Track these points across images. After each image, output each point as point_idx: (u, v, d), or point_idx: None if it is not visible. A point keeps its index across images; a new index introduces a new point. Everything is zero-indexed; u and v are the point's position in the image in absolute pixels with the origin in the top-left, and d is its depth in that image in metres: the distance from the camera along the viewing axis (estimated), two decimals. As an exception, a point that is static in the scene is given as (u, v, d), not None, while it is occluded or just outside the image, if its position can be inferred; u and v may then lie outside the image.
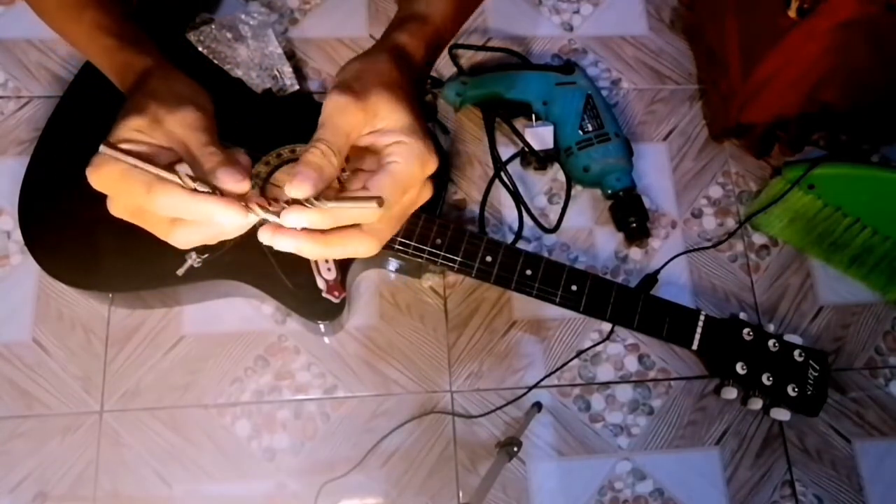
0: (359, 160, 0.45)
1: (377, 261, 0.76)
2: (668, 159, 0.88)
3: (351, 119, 0.43)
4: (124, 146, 0.42)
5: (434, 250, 0.68)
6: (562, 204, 0.83)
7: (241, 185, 0.42)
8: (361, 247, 0.43)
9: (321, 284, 0.67)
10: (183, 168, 0.43)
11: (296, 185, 0.39)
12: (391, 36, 0.49)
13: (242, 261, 0.68)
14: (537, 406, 0.76)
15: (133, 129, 0.43)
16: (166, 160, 0.43)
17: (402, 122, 0.43)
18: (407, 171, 0.42)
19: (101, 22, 0.54)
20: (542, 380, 0.77)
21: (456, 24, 0.54)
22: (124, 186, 0.41)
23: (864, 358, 0.81)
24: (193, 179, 0.41)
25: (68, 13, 0.55)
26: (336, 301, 0.67)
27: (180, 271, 0.66)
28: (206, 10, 0.83)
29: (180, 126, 0.43)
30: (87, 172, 0.41)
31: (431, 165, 0.44)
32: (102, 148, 0.41)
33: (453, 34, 0.55)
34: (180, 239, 0.43)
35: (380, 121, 0.43)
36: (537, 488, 0.74)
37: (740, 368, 0.69)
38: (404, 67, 0.46)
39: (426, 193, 0.46)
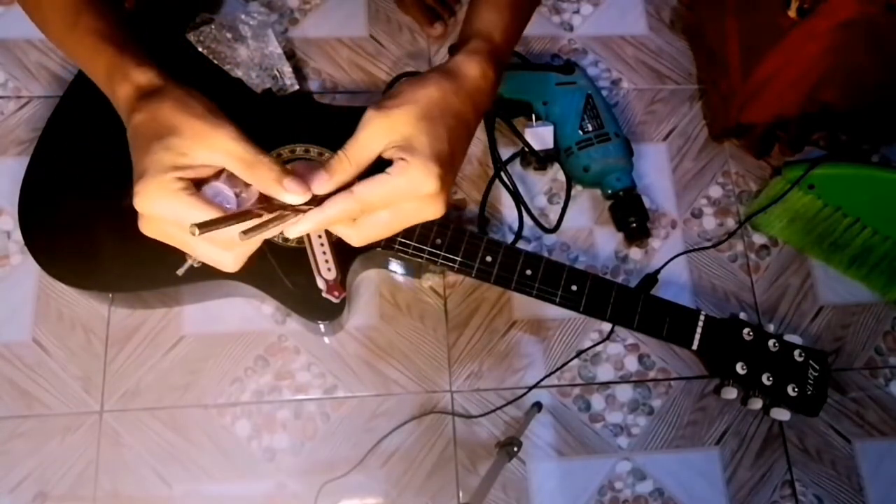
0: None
1: (377, 261, 0.76)
2: (668, 159, 0.88)
3: (374, 133, 0.45)
4: (177, 174, 0.42)
5: (434, 250, 0.68)
6: (562, 204, 0.83)
7: (307, 192, 0.44)
8: (350, 233, 0.47)
9: (321, 284, 0.66)
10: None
11: (316, 184, 0.44)
12: (449, 60, 0.50)
13: (242, 261, 0.68)
14: (537, 406, 0.76)
15: (180, 156, 0.43)
16: (206, 174, 0.45)
17: (418, 144, 0.44)
18: (394, 187, 0.45)
19: (97, 27, 0.51)
20: (542, 380, 0.77)
21: (513, 32, 0.55)
22: (180, 217, 0.43)
23: (864, 358, 0.81)
24: (271, 210, 0.43)
25: (63, 18, 0.53)
26: (336, 301, 0.67)
27: (180, 271, 0.66)
28: (207, 11, 0.83)
29: (228, 140, 0.44)
30: (137, 200, 0.43)
31: (428, 191, 0.45)
32: (194, 232, 0.40)
33: (511, 44, 0.56)
34: (205, 254, 0.47)
35: (402, 139, 0.45)
36: (537, 488, 0.74)
37: (740, 368, 0.69)
38: (449, 86, 0.47)
39: (430, 212, 0.47)
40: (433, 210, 0.47)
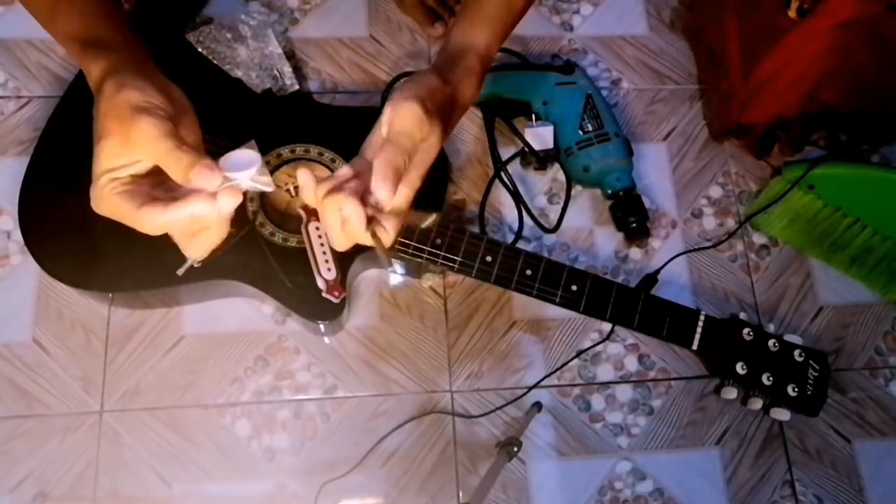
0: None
1: (377, 261, 0.76)
2: (668, 159, 0.88)
3: (420, 123, 0.48)
4: (110, 176, 0.44)
5: (434, 250, 0.68)
6: (562, 204, 0.83)
7: (213, 180, 0.44)
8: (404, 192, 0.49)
9: (321, 284, 0.67)
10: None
11: (379, 186, 0.45)
12: (444, 68, 0.53)
13: (242, 261, 0.68)
14: (537, 406, 0.76)
15: (112, 157, 0.45)
16: (144, 169, 0.46)
17: (405, 100, 0.48)
18: (398, 115, 0.48)
19: (70, 26, 0.52)
20: (542, 380, 0.77)
21: (501, 43, 0.57)
22: (120, 214, 0.45)
23: (864, 358, 0.81)
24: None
25: (43, 15, 0.54)
26: (336, 301, 0.67)
27: (180, 271, 0.66)
28: (199, 10, 0.83)
29: (144, 138, 0.44)
30: (91, 203, 0.45)
31: (421, 112, 0.47)
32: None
33: (497, 51, 0.58)
34: (194, 250, 0.48)
35: (391, 108, 0.48)
36: (537, 488, 0.74)
37: (740, 368, 0.69)
38: (448, 91, 0.51)
39: (434, 140, 0.49)
40: (435, 136, 0.49)
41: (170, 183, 0.46)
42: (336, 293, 0.67)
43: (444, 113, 0.50)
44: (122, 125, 0.44)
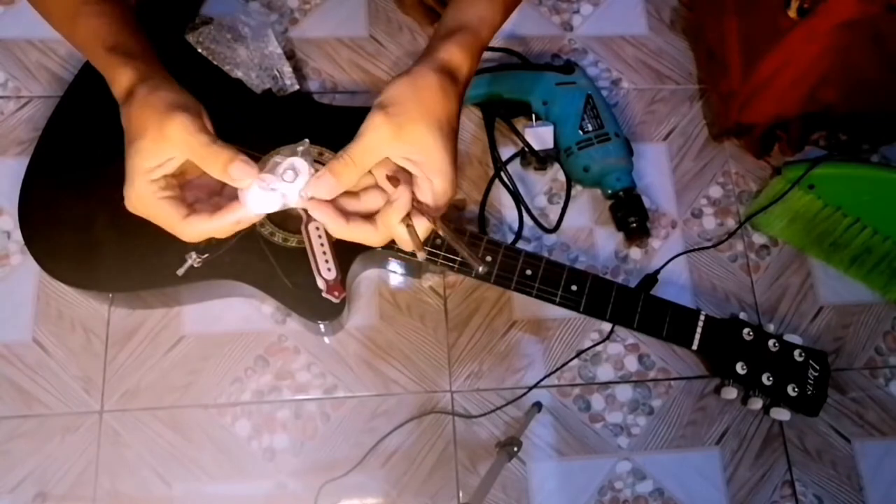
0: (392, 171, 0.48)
1: (377, 261, 0.76)
2: (668, 159, 0.88)
3: (383, 141, 0.45)
4: (148, 178, 0.46)
5: (434, 250, 0.68)
6: (562, 204, 0.83)
7: (250, 175, 0.46)
8: (371, 237, 0.48)
9: (321, 284, 0.66)
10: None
11: (316, 186, 0.45)
12: (440, 48, 0.49)
13: (242, 261, 0.68)
14: (537, 406, 0.76)
15: (148, 157, 0.46)
16: (174, 168, 0.48)
17: (437, 163, 0.46)
18: (430, 205, 0.48)
19: (92, 24, 0.52)
20: (542, 380, 0.77)
21: (497, 30, 0.53)
22: (161, 220, 0.48)
23: (864, 358, 0.81)
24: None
25: (64, 12, 0.54)
26: (336, 301, 0.67)
27: (180, 271, 0.66)
28: (195, 9, 0.83)
29: (180, 134, 0.45)
30: (126, 202, 0.48)
31: (450, 196, 0.48)
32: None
33: (493, 36, 0.54)
34: (191, 233, 0.48)
35: (416, 153, 0.46)
36: (537, 488, 0.74)
37: (740, 368, 0.69)
38: (450, 87, 0.47)
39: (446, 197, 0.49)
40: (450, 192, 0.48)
41: (194, 181, 0.50)
42: (336, 293, 0.67)
43: (452, 124, 0.48)
44: (158, 122, 0.45)
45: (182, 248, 0.66)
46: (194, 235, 0.48)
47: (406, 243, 0.48)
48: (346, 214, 0.47)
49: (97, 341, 0.75)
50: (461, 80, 0.49)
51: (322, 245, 0.67)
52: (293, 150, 0.47)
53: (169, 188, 0.48)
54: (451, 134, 0.47)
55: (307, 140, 0.48)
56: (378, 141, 0.45)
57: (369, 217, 0.48)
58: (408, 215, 0.47)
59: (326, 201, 0.46)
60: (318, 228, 0.67)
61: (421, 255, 0.49)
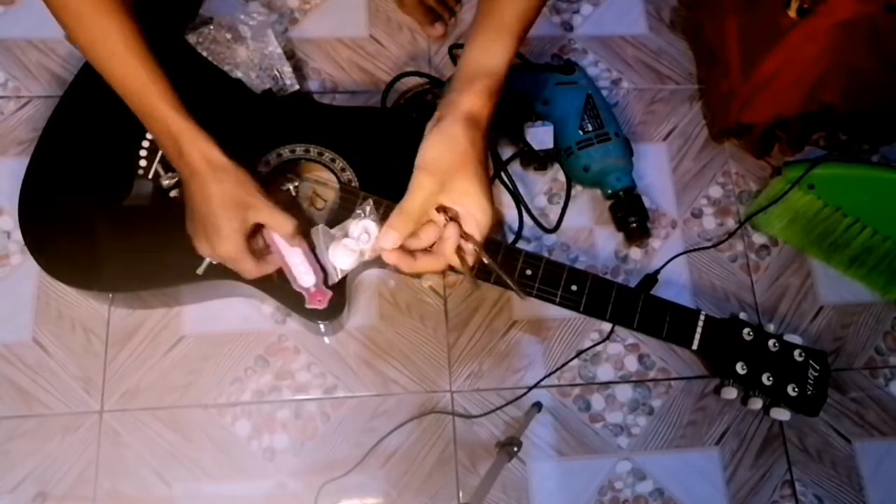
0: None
1: (377, 261, 0.76)
2: (668, 159, 0.88)
3: (430, 196, 0.54)
4: (241, 234, 0.60)
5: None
6: (562, 204, 0.83)
7: (296, 247, 0.64)
8: (434, 266, 0.58)
9: (302, 291, 0.65)
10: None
11: (384, 240, 0.55)
12: (463, 100, 0.55)
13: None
14: (537, 406, 0.76)
15: (243, 221, 0.60)
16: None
17: (477, 204, 0.55)
18: (475, 235, 0.56)
19: (163, 93, 0.59)
20: (542, 380, 0.77)
21: (513, 59, 0.59)
22: (240, 263, 0.62)
23: (864, 358, 0.81)
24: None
25: (133, 85, 0.59)
26: (321, 308, 0.66)
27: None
28: (193, 9, 0.83)
29: (270, 210, 0.60)
30: (217, 249, 0.61)
31: (491, 224, 0.56)
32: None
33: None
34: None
35: (459, 200, 0.55)
36: (537, 488, 0.74)
37: (740, 368, 0.69)
38: (476, 134, 0.55)
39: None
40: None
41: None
42: (319, 299, 0.65)
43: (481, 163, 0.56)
44: (255, 202, 0.59)
45: (182, 248, 0.66)
46: (256, 274, 0.63)
47: (460, 268, 0.57)
48: (413, 253, 0.56)
49: (97, 341, 0.75)
50: (484, 124, 0.56)
51: (293, 251, 0.64)
52: (360, 212, 0.60)
53: (245, 243, 0.61)
54: (484, 173, 0.55)
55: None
56: (426, 197, 0.54)
57: (430, 250, 0.57)
58: (459, 246, 0.56)
59: (394, 249, 0.56)
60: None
61: (470, 281, 0.59)
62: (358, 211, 0.60)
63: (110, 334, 0.75)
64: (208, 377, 0.75)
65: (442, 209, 0.55)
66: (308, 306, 0.65)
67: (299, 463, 0.73)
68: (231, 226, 0.60)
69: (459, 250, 0.57)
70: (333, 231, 0.60)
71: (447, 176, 0.54)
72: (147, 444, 0.72)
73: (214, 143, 0.59)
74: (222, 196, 0.59)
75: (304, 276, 0.64)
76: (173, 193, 0.70)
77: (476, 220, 0.55)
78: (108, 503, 0.70)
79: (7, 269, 0.77)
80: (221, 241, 0.60)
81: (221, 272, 0.66)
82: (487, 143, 0.56)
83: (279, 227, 0.61)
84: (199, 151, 0.59)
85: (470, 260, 0.57)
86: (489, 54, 0.57)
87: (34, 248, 0.68)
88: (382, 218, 0.58)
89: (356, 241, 0.59)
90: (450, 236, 0.55)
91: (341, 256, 0.59)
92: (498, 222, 0.82)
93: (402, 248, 0.56)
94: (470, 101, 0.55)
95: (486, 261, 0.58)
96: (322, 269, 0.64)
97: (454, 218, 0.55)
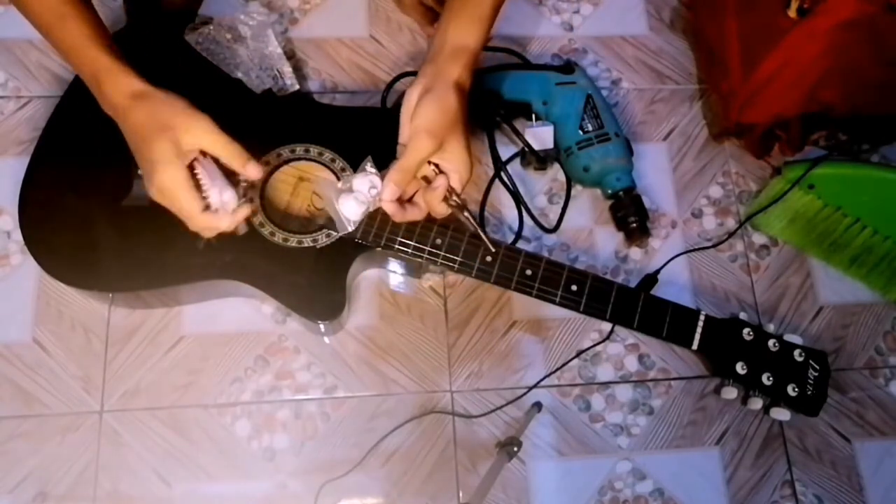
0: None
1: (377, 261, 0.76)
2: (668, 159, 0.88)
3: (427, 154, 0.61)
4: (178, 161, 0.56)
5: (434, 250, 0.68)
6: (562, 204, 0.83)
7: (260, 174, 0.62)
8: (419, 214, 0.65)
9: (219, 206, 0.60)
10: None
11: (385, 190, 0.61)
12: (452, 69, 0.63)
13: (242, 261, 0.68)
14: (537, 406, 0.76)
15: (176, 144, 0.56)
16: (193, 157, 0.59)
17: (462, 161, 0.63)
18: (457, 187, 0.65)
19: (82, 27, 0.58)
20: (542, 380, 0.77)
21: (488, 40, 0.68)
22: (179, 207, 0.58)
23: (864, 358, 0.81)
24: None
25: (50, 21, 0.59)
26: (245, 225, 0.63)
27: (200, 245, 0.66)
28: (193, 9, 0.83)
29: (208, 129, 0.57)
30: (155, 183, 0.56)
31: (469, 177, 0.65)
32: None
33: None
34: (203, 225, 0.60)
35: (449, 157, 0.62)
36: (537, 488, 0.74)
37: (740, 368, 0.69)
38: (464, 100, 0.62)
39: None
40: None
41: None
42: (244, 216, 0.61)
43: (458, 119, 0.62)
44: (185, 119, 0.56)
45: (182, 248, 0.66)
46: (208, 228, 0.59)
47: (441, 215, 0.65)
48: (403, 204, 0.64)
49: (97, 341, 0.75)
50: (467, 92, 0.64)
51: (199, 173, 0.60)
52: (363, 168, 0.64)
53: (190, 181, 0.57)
54: (467, 133, 0.63)
55: (370, 157, 0.65)
56: (424, 155, 0.61)
57: (411, 201, 0.65)
58: (445, 197, 0.64)
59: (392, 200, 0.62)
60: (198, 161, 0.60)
61: (463, 215, 0.66)
62: (362, 167, 0.65)
63: (110, 334, 0.75)
64: (208, 377, 0.75)
65: (433, 164, 0.63)
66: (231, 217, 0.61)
67: (299, 463, 0.73)
68: (161, 153, 0.55)
69: (445, 199, 0.64)
70: (340, 185, 0.64)
71: (444, 138, 0.61)
72: (147, 444, 0.72)
73: (137, 74, 0.57)
74: (147, 122, 0.56)
75: (217, 197, 0.60)
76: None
77: (460, 173, 0.63)
78: (108, 503, 0.70)
79: (7, 269, 0.77)
80: (156, 172, 0.56)
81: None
82: (467, 105, 0.64)
83: (223, 150, 0.58)
84: (119, 85, 0.56)
85: (456, 208, 0.65)
86: (470, 37, 0.64)
87: (34, 248, 0.69)
88: (382, 174, 0.63)
89: (362, 194, 0.63)
90: (438, 186, 0.63)
91: (351, 207, 0.63)
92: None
93: (397, 200, 0.63)
94: (457, 72, 0.62)
95: (465, 212, 0.66)
96: (330, 218, 0.67)
97: (443, 172, 0.64)
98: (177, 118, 0.56)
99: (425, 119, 0.61)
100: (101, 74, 0.57)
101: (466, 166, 0.63)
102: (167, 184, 0.56)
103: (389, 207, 0.62)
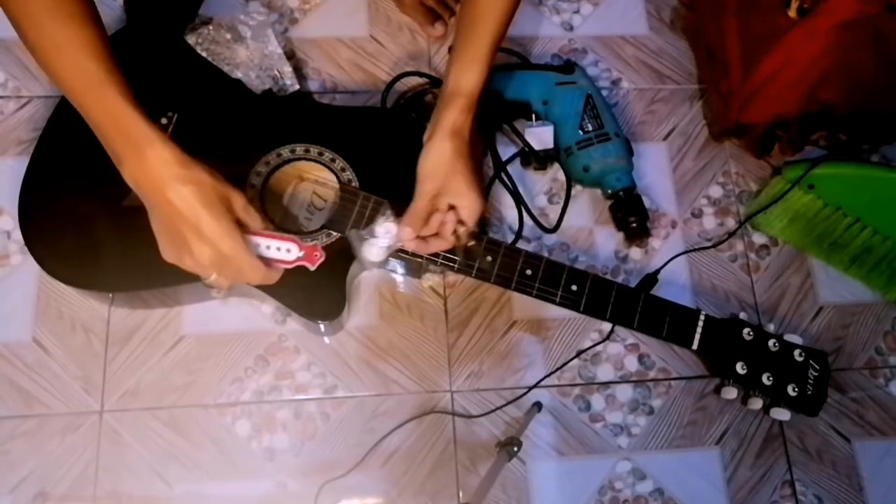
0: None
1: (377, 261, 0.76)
2: (668, 159, 0.88)
3: (431, 200, 0.66)
4: (231, 228, 0.56)
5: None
6: (562, 204, 0.83)
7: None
8: (442, 245, 0.69)
9: (299, 265, 0.61)
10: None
11: (402, 233, 0.66)
12: (447, 117, 0.66)
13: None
14: (537, 406, 0.76)
15: (229, 212, 0.57)
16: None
17: (466, 197, 0.66)
18: (468, 221, 0.68)
19: (127, 95, 0.55)
20: (542, 380, 0.77)
21: (487, 80, 0.69)
22: (239, 258, 0.57)
23: (864, 358, 0.81)
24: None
25: (85, 85, 0.54)
26: (324, 259, 0.62)
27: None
28: (193, 9, 0.83)
29: (241, 200, 0.58)
30: (224, 249, 0.56)
31: (481, 211, 0.68)
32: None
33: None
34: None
35: (454, 198, 0.67)
36: (537, 488, 0.74)
37: (740, 368, 0.69)
38: (461, 143, 0.66)
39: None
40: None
41: None
42: (316, 255, 0.61)
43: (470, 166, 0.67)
44: (230, 190, 0.57)
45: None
46: (267, 278, 0.60)
47: (455, 245, 0.69)
48: (426, 238, 0.68)
49: (97, 341, 0.75)
50: (466, 133, 0.67)
51: (266, 241, 0.61)
52: (384, 213, 0.67)
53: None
54: (471, 171, 0.67)
55: (387, 202, 0.68)
56: (426, 199, 0.66)
57: (437, 235, 0.68)
58: (455, 230, 0.68)
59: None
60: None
61: (460, 255, 0.69)
62: (379, 216, 0.68)
63: (110, 334, 0.75)
64: (208, 377, 0.75)
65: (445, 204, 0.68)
66: (313, 268, 0.61)
67: (299, 463, 0.73)
68: (225, 223, 0.55)
69: (455, 231, 0.68)
70: (363, 233, 0.68)
71: (443, 185, 0.66)
72: (147, 444, 0.72)
73: (174, 142, 0.55)
74: (205, 192, 0.55)
75: (286, 254, 0.61)
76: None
77: (468, 209, 0.67)
78: (107, 503, 0.70)
79: (7, 269, 0.77)
80: (219, 239, 0.55)
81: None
82: (472, 145, 0.68)
83: (251, 218, 0.59)
84: (163, 152, 0.54)
85: (464, 238, 0.69)
86: (466, 79, 0.67)
87: (34, 248, 0.69)
88: (398, 217, 0.67)
89: (382, 239, 0.67)
90: (448, 221, 0.68)
91: (373, 252, 0.68)
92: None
93: (417, 237, 0.67)
94: (452, 117, 0.66)
95: (470, 242, 0.70)
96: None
97: (452, 208, 0.68)
98: (229, 189, 0.57)
99: (422, 167, 0.66)
100: (144, 138, 0.54)
101: (472, 201, 0.67)
102: (236, 249, 0.56)
103: (411, 245, 0.67)
